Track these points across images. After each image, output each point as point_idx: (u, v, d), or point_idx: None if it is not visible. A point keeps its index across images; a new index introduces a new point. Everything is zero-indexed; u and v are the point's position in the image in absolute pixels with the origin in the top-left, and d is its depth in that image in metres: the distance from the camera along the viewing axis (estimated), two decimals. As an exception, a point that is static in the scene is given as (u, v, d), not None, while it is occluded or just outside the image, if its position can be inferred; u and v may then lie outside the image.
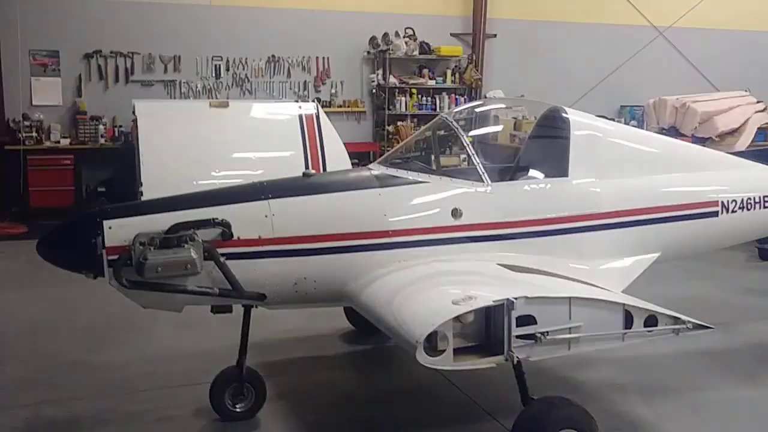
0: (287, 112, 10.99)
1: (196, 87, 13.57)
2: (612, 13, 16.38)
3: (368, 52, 14.65)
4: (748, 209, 6.09)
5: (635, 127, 12.82)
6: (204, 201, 4.81)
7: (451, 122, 5.52)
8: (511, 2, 15.65)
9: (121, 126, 12.78)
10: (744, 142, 14.50)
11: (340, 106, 14.58)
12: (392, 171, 5.25)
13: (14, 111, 12.45)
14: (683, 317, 4.32)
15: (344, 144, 9.56)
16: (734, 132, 14.85)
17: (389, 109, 14.50)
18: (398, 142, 14.38)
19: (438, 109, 14.86)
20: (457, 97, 15.05)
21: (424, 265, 4.86)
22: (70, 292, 7.59)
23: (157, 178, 9.83)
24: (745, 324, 7.37)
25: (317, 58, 14.41)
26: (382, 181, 5.12)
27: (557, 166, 5.48)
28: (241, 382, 5.24)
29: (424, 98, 14.84)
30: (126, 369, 6.21)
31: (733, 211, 6.02)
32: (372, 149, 14.72)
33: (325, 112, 11.24)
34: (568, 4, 16.12)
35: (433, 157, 5.90)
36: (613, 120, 13.52)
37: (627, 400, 5.58)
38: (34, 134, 12.21)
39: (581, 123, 5.72)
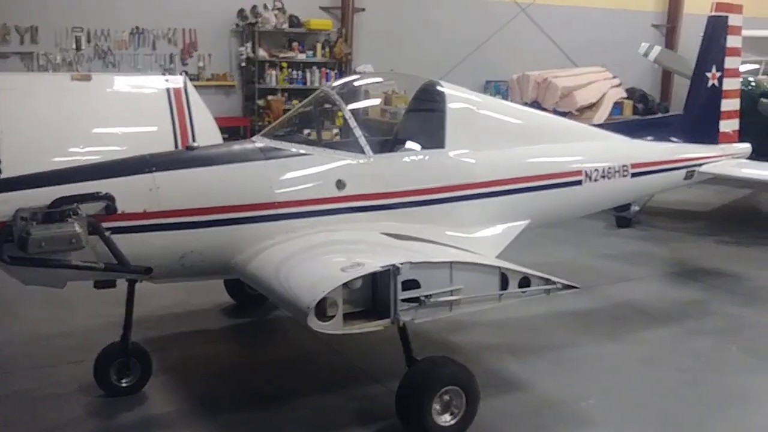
0: (154, 85, 10.66)
1: (56, 59, 12.93)
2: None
3: (237, 25, 14.45)
4: (608, 178, 6.58)
5: (501, 101, 13.27)
6: (87, 175, 4.69)
7: (333, 95, 5.62)
8: (379, -24, 15.84)
9: (-27, 99, 11.98)
10: (601, 115, 15.41)
11: (209, 80, 14.33)
12: (276, 143, 5.30)
13: None
14: (553, 278, 4.66)
15: (214, 118, 9.46)
16: (592, 106, 15.73)
17: (259, 83, 14.38)
18: (269, 117, 14.32)
19: (309, 83, 14.89)
20: (327, 71, 15.12)
21: (311, 235, 4.96)
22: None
23: (17, 154, 9.34)
24: (604, 286, 7.93)
25: (183, 30, 14.07)
26: (267, 154, 5.15)
27: (434, 138, 5.70)
28: (127, 357, 5.17)
29: (295, 72, 14.81)
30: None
31: (595, 180, 6.48)
32: (242, 124, 14.59)
33: (194, 86, 11.02)
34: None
35: (315, 130, 5.98)
36: (480, 95, 13.97)
37: (501, 359, 5.93)
38: None
39: (456, 96, 5.96)
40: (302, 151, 5.24)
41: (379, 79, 7.08)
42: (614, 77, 16.55)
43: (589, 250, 9.54)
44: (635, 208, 10.67)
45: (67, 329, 6.37)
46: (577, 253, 9.36)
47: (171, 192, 4.77)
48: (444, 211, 5.55)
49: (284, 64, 14.63)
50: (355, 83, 6.20)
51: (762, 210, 12.39)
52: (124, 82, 11.11)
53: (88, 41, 13.16)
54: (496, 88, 17.18)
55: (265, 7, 14.28)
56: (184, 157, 5.07)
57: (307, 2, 15.02)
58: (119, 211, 4.60)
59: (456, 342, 6.20)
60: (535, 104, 14.86)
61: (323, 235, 4.97)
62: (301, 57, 14.82)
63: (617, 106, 16.30)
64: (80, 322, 6.48)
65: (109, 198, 4.56)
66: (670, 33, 20.16)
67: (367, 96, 6.28)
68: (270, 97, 14.44)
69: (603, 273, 8.56)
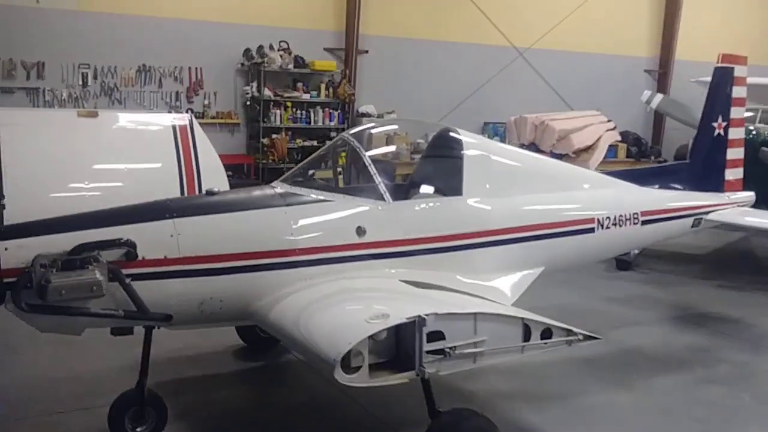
0: (160, 122, 10.69)
1: (62, 95, 12.98)
2: (477, 33, 17.11)
3: (242, 64, 14.56)
4: (620, 226, 6.62)
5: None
6: (107, 220, 4.69)
7: (352, 142, 5.65)
8: (383, 19, 16.02)
9: (-23, 135, 11.97)
10: (597, 158, 15.53)
11: (214, 118, 14.39)
12: (296, 189, 5.32)
13: None
14: (575, 329, 4.65)
15: (218, 156, 9.50)
16: (588, 149, 15.86)
17: (264, 122, 14.45)
18: (273, 155, 14.39)
19: (312, 123, 15.00)
20: (330, 111, 15.23)
21: (331, 282, 4.95)
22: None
23: (21, 191, 9.33)
24: (612, 331, 7.89)
25: (190, 68, 14.18)
26: (287, 200, 5.17)
27: (452, 185, 5.74)
28: (142, 405, 5.11)
29: (299, 111, 14.90)
30: (5, 394, 5.86)
31: (607, 228, 6.52)
32: (246, 161, 14.64)
33: (199, 124, 11.06)
34: (436, 24, 16.69)
35: (333, 176, 6.01)
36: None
37: (518, 408, 5.89)
38: None
39: (473, 143, 6.01)
40: (322, 197, 5.26)
41: (394, 127, 7.08)
42: (609, 120, 16.72)
43: (593, 294, 9.54)
44: (635, 251, 10.71)
45: (76, 373, 6.31)
46: (580, 297, 9.35)
47: (191, 238, 4.77)
48: (461, 258, 5.56)
49: (289, 104, 14.72)
50: (373, 130, 6.24)
51: (757, 254, 12.45)
52: (130, 119, 11.11)
53: (95, 78, 13.24)
54: (494, 130, 17.33)
55: (271, 47, 14.40)
56: (205, 202, 5.08)
57: (312, 43, 15.17)
58: (140, 258, 4.59)
59: (469, 389, 6.16)
60: (533, 146, 14.95)
61: (343, 283, 4.96)
62: (306, 97, 14.92)
63: (612, 149, 16.46)
64: (90, 365, 6.41)
65: (130, 244, 4.55)
66: (661, 78, 20.49)
67: (372, 139, 6.31)
68: (274, 136, 14.51)
69: (608, 317, 8.55)
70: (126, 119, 11.47)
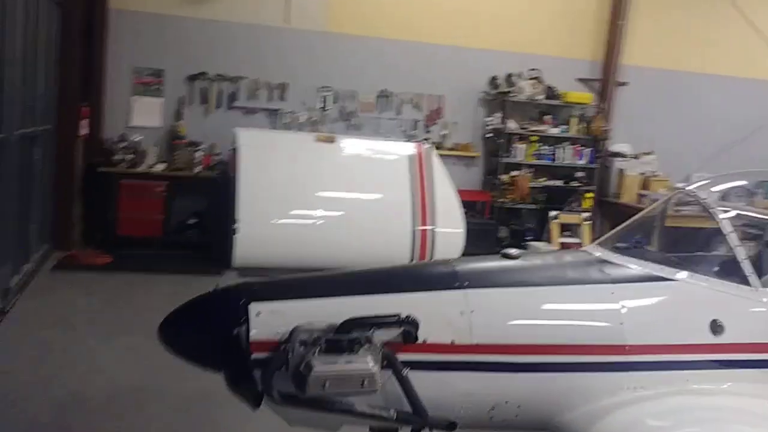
0: (396, 151, 9.82)
1: (299, 119, 12.52)
2: (757, 66, 14.76)
3: (486, 93, 13.40)
4: None
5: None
6: (380, 285, 3.55)
7: (702, 200, 4.14)
8: (645, 48, 14.18)
9: (219, 154, 11.78)
10: None
11: (451, 149, 13.31)
12: (620, 258, 3.92)
13: (112, 130, 11.58)
14: None
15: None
16: None
17: (505, 156, 13.17)
18: (513, 194, 13.07)
19: (558, 160, 13.50)
20: (580, 148, 13.63)
21: (675, 396, 3.50)
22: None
23: (253, 215, 8.78)
24: None
25: (430, 95, 13.24)
26: (611, 273, 3.78)
27: None
28: None
29: (544, 147, 13.45)
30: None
31: None
32: (482, 199, 13.40)
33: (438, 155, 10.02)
34: (706, 54, 14.57)
35: (659, 245, 4.53)
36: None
37: None
38: (130, 156, 11.26)
39: None
40: (659, 274, 3.81)
41: (743, 182, 5.39)
42: None
43: None
44: None
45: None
46: None
47: (488, 318, 3.50)
48: None
49: (534, 138, 13.32)
50: (716, 187, 4.67)
51: None
52: (366, 147, 10.39)
53: (334, 102, 12.68)
54: (776, 181, 14.82)
55: (520, 75, 13.13)
56: (502, 268, 3.80)
57: (562, 72, 13.66)
58: (420, 340, 3.40)
59: None
60: (821, 205, 12.38)
61: (693, 400, 3.49)
62: (554, 131, 13.43)
63: None
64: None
65: (411, 323, 3.35)
66: None
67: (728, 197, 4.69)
68: (514, 173, 13.16)
69: None
70: (362, 146, 10.73)
